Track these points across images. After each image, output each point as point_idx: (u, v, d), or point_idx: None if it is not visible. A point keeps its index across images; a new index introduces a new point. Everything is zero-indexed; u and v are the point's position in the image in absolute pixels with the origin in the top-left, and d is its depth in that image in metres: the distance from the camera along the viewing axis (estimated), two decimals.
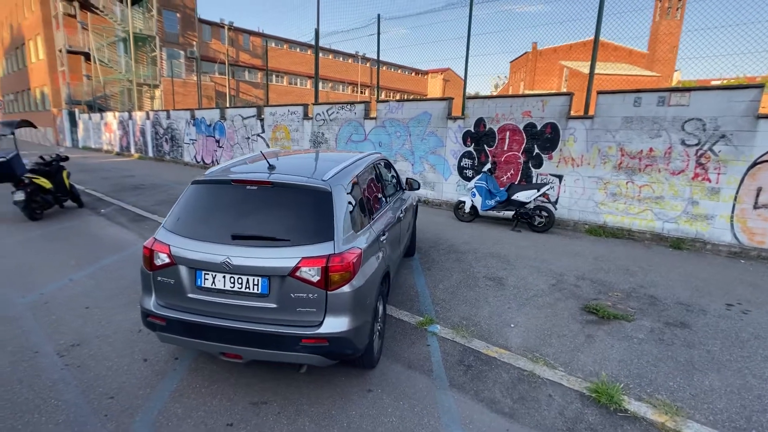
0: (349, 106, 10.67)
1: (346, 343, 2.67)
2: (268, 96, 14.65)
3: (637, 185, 7.01)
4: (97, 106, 24.16)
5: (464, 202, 8.08)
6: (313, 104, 11.49)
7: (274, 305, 2.64)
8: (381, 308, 3.37)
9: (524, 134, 8.05)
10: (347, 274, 2.65)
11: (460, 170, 9.08)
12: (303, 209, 2.82)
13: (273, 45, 37.36)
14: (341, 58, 43.72)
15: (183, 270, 2.75)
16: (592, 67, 7.45)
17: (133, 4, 25.66)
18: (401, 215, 4.37)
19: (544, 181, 7.91)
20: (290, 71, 39.04)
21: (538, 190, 7.33)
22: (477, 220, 8.14)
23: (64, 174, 8.24)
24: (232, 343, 2.69)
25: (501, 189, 7.79)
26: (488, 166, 7.82)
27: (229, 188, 2.94)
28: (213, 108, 15.13)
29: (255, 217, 2.85)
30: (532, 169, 8.06)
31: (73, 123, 24.88)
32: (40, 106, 29.26)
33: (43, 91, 28.04)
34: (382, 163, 4.44)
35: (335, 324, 2.64)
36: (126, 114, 20.16)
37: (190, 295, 2.75)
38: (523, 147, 8.11)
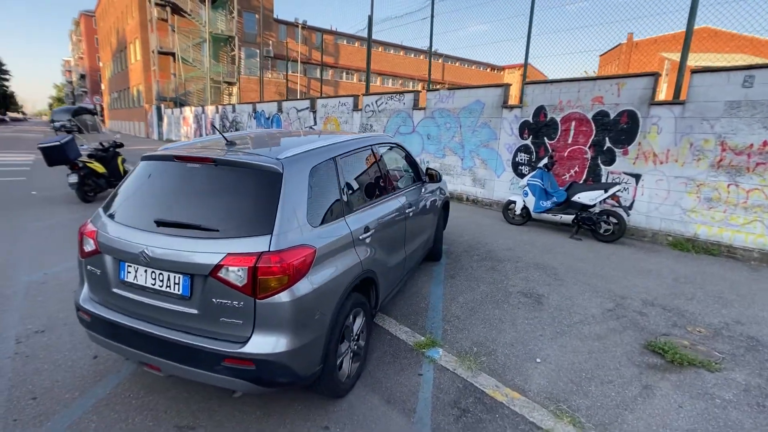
0: (398, 96, 10.01)
1: (280, 368, 2.04)
2: (322, 88, 14.48)
3: (743, 189, 5.48)
4: (180, 102, 26.23)
5: (515, 202, 7.03)
6: (363, 95, 11.01)
7: (196, 311, 2.08)
8: (357, 323, 2.68)
9: (593, 124, 6.77)
10: (285, 278, 2.01)
11: (515, 166, 7.98)
12: (245, 193, 2.24)
13: (344, 42, 37.87)
14: (413, 55, 43.09)
15: (108, 260, 2.31)
16: (688, 39, 5.98)
17: (215, 6, 27.39)
18: (411, 211, 3.62)
19: (615, 180, 6.57)
20: (361, 68, 39.27)
21: (606, 191, 6.07)
22: (529, 224, 7.04)
23: (119, 160, 8.61)
24: (151, 353, 2.19)
25: (560, 188, 6.62)
26: (545, 161, 6.68)
27: (171, 166, 2.44)
28: (271, 101, 15.37)
29: (190, 200, 2.33)
30: (602, 166, 6.75)
31: (160, 117, 27.26)
32: (136, 102, 32.61)
33: (139, 89, 31.20)
34: (386, 148, 3.71)
35: (265, 343, 2.02)
36: (200, 108, 21.49)
37: (114, 290, 2.30)
38: (591, 140, 6.83)
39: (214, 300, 2.04)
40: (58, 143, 7.22)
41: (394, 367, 2.89)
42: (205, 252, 2.04)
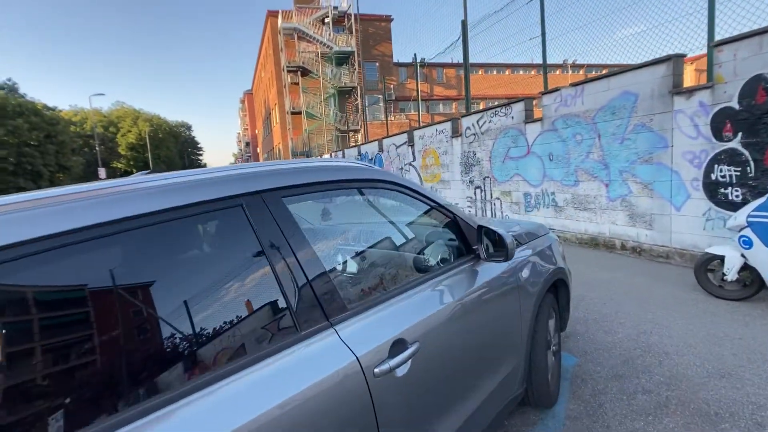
0: (503, 110, 7.49)
1: None
2: (420, 119, 12.71)
3: None
4: (308, 154, 27.99)
5: (722, 258, 3.77)
6: (462, 116, 8.77)
7: None
8: None
9: None
10: None
11: (711, 189, 4.62)
12: None
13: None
14: (530, 72, 38.65)
15: None
16: None
17: (338, 63, 29.24)
18: (412, 351, 1.27)
19: None
20: (487, 96, 36.75)
21: None
22: (762, 297, 3.66)
23: None
24: None
25: None
26: None
27: None
28: (373, 141, 14.27)
29: None
30: None
31: None
32: (278, 159, 36.49)
33: (280, 147, 34.78)
34: (334, 195, 1.47)
35: None
36: (318, 156, 22.13)
37: None
38: None
39: None
40: None
41: None
42: None
